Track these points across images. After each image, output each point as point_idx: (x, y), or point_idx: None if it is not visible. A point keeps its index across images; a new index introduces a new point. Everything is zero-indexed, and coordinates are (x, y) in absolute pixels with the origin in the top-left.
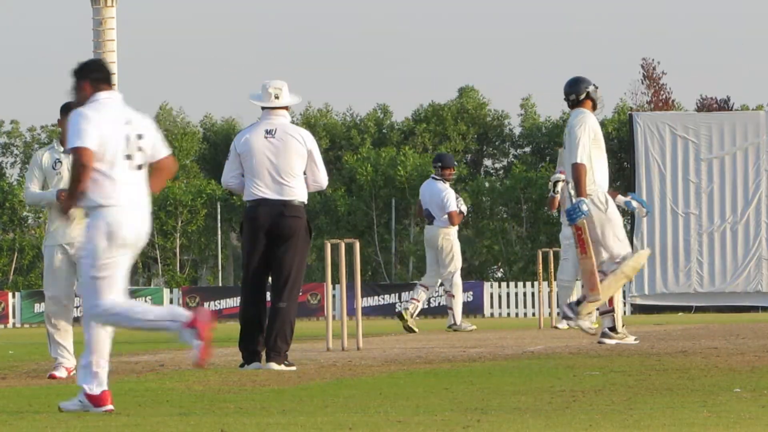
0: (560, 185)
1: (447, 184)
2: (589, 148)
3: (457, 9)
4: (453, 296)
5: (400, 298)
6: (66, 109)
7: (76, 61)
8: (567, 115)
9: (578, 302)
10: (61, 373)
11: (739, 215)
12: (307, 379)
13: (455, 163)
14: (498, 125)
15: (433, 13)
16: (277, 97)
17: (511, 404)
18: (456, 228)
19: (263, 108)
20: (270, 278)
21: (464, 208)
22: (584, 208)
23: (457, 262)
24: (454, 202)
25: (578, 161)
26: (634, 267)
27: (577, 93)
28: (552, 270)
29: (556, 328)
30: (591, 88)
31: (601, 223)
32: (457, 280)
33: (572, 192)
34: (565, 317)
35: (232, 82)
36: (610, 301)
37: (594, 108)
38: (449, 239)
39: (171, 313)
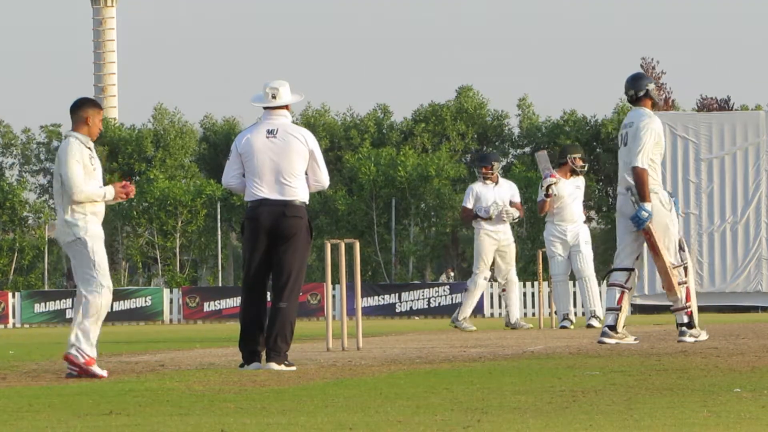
0: (553, 189)
1: (486, 183)
2: (651, 152)
3: (457, 10)
4: (466, 290)
5: (400, 298)
6: (81, 105)
7: (76, 61)
8: (567, 114)
9: (612, 326)
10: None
11: (739, 215)
12: (307, 379)
13: (490, 161)
14: (497, 125)
15: (433, 14)
16: (274, 97)
17: (511, 404)
18: (484, 228)
19: (264, 108)
20: (270, 278)
21: (490, 211)
22: (644, 215)
23: (480, 262)
24: (467, 198)
25: (641, 165)
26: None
27: (636, 89)
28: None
29: (563, 327)
30: (651, 86)
31: (665, 224)
32: (478, 280)
33: (633, 199)
34: (602, 342)
35: (232, 82)
36: (620, 299)
37: (653, 106)
38: (475, 238)
39: None
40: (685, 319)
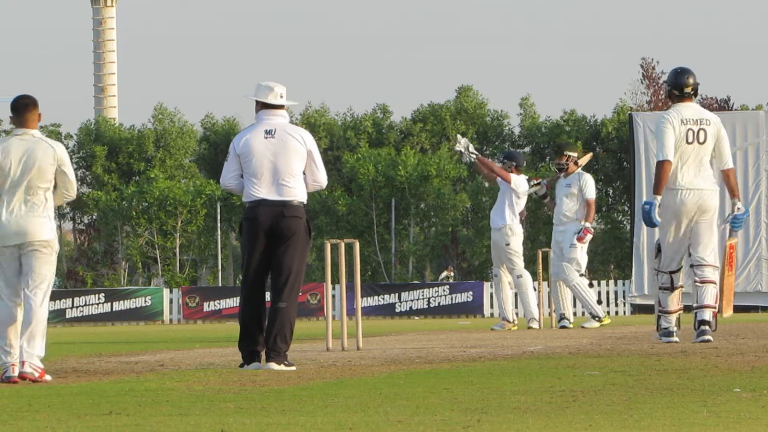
0: (536, 189)
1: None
2: None
3: (457, 9)
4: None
5: (399, 298)
6: (35, 103)
7: (76, 60)
8: (567, 114)
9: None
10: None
11: None
12: (306, 379)
13: (500, 159)
14: (497, 125)
15: (433, 14)
16: (282, 96)
17: (511, 404)
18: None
19: (262, 108)
20: (270, 278)
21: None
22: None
23: None
24: None
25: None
26: None
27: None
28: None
29: (562, 327)
30: None
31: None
32: (496, 277)
33: (738, 202)
34: (702, 338)
35: (232, 82)
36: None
37: None
38: None
39: None
40: (709, 317)
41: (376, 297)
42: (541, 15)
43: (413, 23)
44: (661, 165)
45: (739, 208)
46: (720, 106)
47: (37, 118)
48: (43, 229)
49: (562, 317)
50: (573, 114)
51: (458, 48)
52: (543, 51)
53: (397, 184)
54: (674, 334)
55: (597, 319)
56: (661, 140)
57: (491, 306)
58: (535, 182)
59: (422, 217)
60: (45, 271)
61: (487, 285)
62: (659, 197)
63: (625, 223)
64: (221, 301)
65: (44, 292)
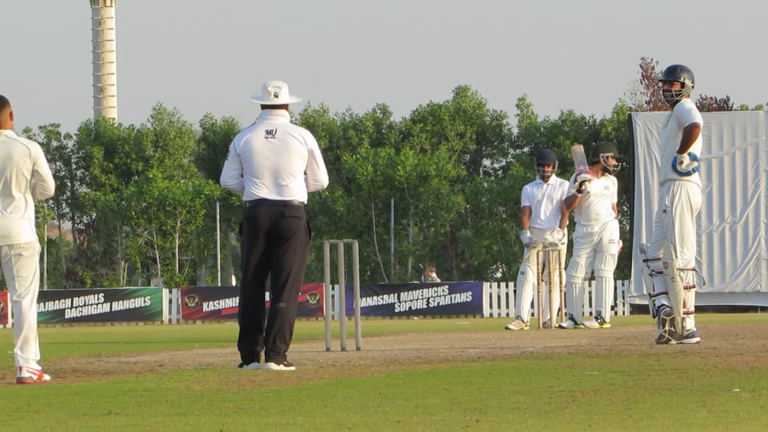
0: (586, 185)
1: (539, 182)
2: None
3: (457, 9)
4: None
5: (399, 298)
6: (6, 103)
7: (75, 60)
8: (566, 115)
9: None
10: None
11: (739, 215)
12: (306, 379)
13: (547, 160)
14: (496, 125)
15: (432, 15)
16: (276, 96)
17: (510, 404)
18: (532, 225)
19: (263, 108)
20: (269, 278)
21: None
22: None
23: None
24: (522, 198)
25: None
26: None
27: None
28: (551, 270)
29: (560, 327)
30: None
31: None
32: (520, 274)
33: None
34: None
35: (231, 82)
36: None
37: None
38: None
39: None
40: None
41: (375, 297)
42: (541, 15)
43: (413, 23)
44: (698, 126)
45: None
46: (719, 106)
47: (10, 118)
48: (25, 231)
49: (570, 317)
50: (571, 114)
51: (459, 48)
52: (542, 51)
53: (396, 185)
54: (697, 333)
55: (600, 320)
56: (695, 109)
57: (490, 306)
58: (588, 177)
59: (421, 217)
60: (30, 274)
61: (486, 285)
62: None
63: (624, 223)
64: (220, 301)
65: (32, 296)
